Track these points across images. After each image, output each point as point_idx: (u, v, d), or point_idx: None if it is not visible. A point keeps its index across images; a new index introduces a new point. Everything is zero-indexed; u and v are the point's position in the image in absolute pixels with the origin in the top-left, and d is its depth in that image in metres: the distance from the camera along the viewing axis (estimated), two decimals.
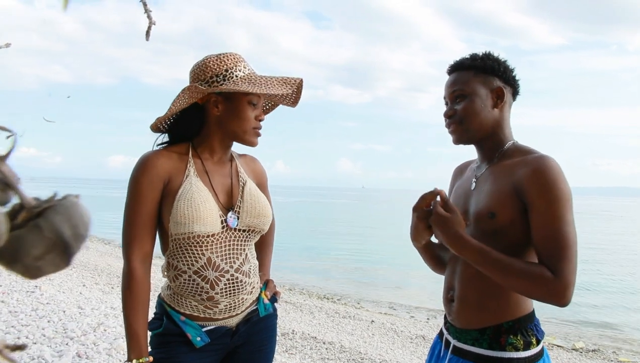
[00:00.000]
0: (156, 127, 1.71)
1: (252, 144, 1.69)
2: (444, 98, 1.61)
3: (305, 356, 5.36)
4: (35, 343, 4.42)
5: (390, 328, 7.49)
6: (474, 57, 1.56)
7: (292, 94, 1.78)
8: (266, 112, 1.86)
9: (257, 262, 1.76)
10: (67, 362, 3.97)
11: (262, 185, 1.85)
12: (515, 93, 1.60)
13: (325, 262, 16.13)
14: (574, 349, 7.59)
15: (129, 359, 1.52)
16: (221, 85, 1.61)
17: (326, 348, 5.67)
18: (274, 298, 1.82)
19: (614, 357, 7.33)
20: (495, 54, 1.58)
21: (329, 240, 22.69)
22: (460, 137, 1.56)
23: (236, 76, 1.62)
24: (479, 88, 1.53)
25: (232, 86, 1.59)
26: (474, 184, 1.57)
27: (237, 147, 1.79)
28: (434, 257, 1.73)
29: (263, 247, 1.99)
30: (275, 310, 1.82)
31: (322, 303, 9.65)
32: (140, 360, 1.53)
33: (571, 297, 1.34)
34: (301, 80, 1.69)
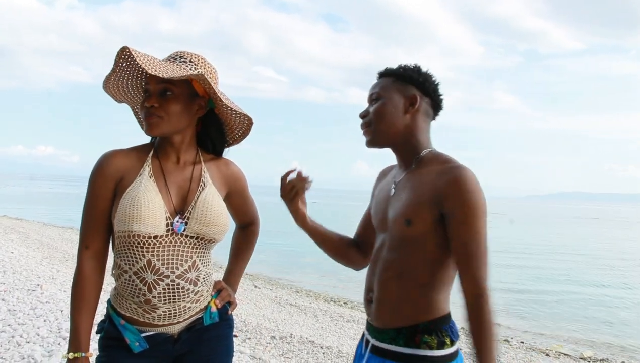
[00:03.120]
0: None
1: (146, 131, 1.63)
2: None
3: (301, 360, 5.29)
4: (28, 343, 4.42)
5: None
6: (398, 66, 1.63)
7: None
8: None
9: (209, 271, 1.69)
10: (56, 362, 3.95)
11: (237, 190, 1.79)
12: (436, 106, 1.65)
13: (336, 265, 16.02)
14: (581, 358, 7.44)
15: (67, 352, 1.54)
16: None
17: (323, 353, 5.59)
18: (225, 308, 1.74)
19: None
20: (424, 69, 1.64)
21: None
22: (371, 138, 1.62)
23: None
24: (393, 93, 1.60)
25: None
26: (393, 190, 1.62)
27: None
28: (326, 241, 1.82)
29: (237, 254, 1.93)
30: (228, 319, 1.75)
31: (327, 306, 9.58)
32: (76, 355, 1.53)
33: (490, 290, 1.42)
34: (127, 50, 1.51)
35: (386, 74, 1.64)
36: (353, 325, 7.70)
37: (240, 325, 6.32)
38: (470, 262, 1.43)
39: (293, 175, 1.66)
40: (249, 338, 5.87)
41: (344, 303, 10.31)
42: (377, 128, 1.59)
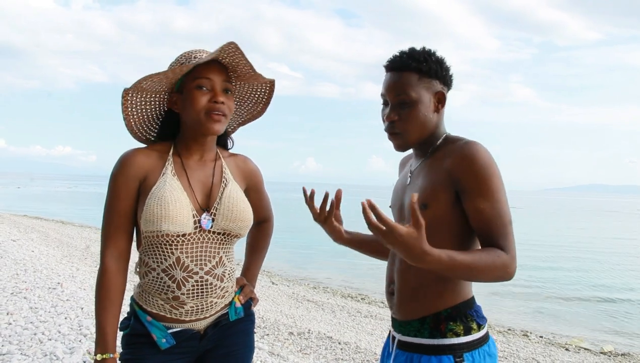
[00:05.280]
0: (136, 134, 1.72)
1: (209, 130, 1.58)
2: (383, 95, 1.57)
3: (320, 356, 5.31)
4: (50, 340, 4.48)
5: None
6: (417, 59, 1.52)
7: (245, 69, 1.64)
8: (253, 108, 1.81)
9: (233, 267, 1.71)
10: (77, 358, 4.01)
11: (254, 187, 1.81)
12: (449, 88, 1.60)
13: (353, 260, 16.02)
14: (602, 352, 7.34)
15: (95, 354, 1.54)
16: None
17: (341, 349, 5.60)
18: (248, 303, 1.76)
19: None
20: (438, 54, 1.55)
21: None
22: (402, 144, 1.57)
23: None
24: (423, 94, 1.51)
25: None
26: (409, 179, 1.61)
27: (238, 147, 1.81)
28: (365, 245, 1.80)
29: (253, 250, 1.95)
30: (251, 315, 1.77)
31: (345, 302, 9.57)
32: (104, 356, 1.52)
33: (515, 264, 1.37)
34: (234, 46, 1.53)
35: (407, 68, 1.52)
36: (371, 321, 7.70)
37: (258, 321, 6.36)
38: (494, 235, 1.36)
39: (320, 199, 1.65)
40: (267, 335, 5.90)
41: (362, 298, 10.30)
42: (412, 135, 1.53)
